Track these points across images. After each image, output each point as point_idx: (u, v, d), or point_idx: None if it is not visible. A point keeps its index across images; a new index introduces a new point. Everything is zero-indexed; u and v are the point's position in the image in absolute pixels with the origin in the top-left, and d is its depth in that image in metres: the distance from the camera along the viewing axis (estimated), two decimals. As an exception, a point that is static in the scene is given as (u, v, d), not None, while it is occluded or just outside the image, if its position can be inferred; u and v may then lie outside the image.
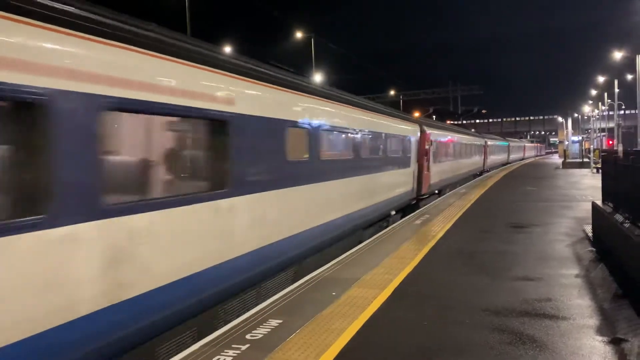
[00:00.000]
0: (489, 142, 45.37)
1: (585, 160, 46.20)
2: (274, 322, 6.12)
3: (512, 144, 68.10)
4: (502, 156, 55.55)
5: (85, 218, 4.30)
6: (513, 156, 67.20)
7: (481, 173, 39.58)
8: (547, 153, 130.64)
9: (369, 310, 6.56)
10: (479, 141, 39.36)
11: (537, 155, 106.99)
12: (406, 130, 17.17)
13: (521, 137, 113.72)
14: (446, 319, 6.27)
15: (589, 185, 25.34)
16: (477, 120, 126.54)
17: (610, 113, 56.59)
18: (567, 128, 64.41)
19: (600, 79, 60.26)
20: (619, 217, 9.19)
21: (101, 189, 4.49)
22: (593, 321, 6.11)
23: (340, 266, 8.98)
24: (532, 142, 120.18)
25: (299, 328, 5.93)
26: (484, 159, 41.59)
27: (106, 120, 4.59)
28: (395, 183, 15.45)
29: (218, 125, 6.26)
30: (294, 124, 8.52)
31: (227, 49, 15.92)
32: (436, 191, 22.57)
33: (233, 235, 6.57)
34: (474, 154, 35.66)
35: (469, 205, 17.82)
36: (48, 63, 4.03)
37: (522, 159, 77.61)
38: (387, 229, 13.26)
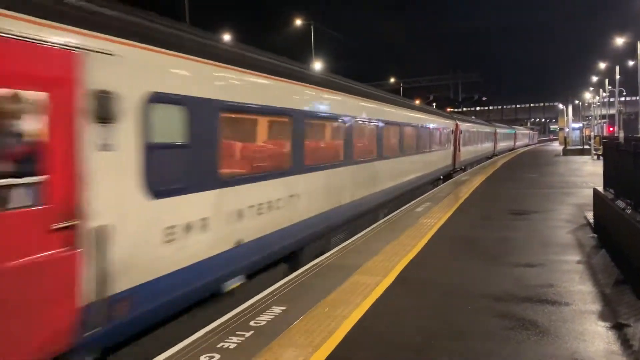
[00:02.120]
0: (463, 126, 29.61)
1: (586, 147, 46.17)
2: (277, 309, 6.15)
3: (499, 130, 53.17)
4: (485, 146, 41.26)
5: None
6: (502, 144, 54.19)
7: (449, 176, 25.20)
8: (541, 141, 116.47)
9: (371, 297, 6.58)
10: (440, 122, 22.86)
11: (529, 144, 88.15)
12: None
13: (521, 124, 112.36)
14: (448, 305, 6.29)
15: (589, 172, 25.31)
16: (478, 108, 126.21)
17: (611, 100, 56.43)
18: (567, 115, 64.26)
19: (602, 65, 60.05)
20: (620, 204, 9.18)
21: None
22: (595, 307, 6.13)
23: (342, 253, 9.00)
24: (532, 129, 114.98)
25: (302, 315, 5.96)
26: (455, 152, 26.55)
27: None
28: None
29: None
30: None
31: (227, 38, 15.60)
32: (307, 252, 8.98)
33: None
34: (429, 146, 20.09)
35: (470, 192, 17.81)
36: None
37: (513, 149, 64.15)
38: (388, 216, 13.20)
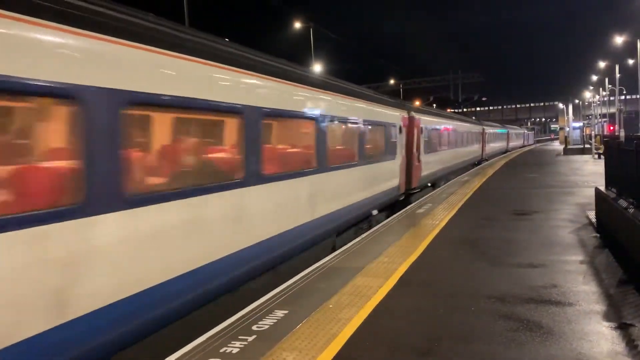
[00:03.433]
0: (426, 122, 19.59)
1: (587, 146, 46.16)
2: (280, 313, 6.12)
3: (489, 129, 43.66)
4: (469, 150, 32.72)
5: None
6: (492, 147, 45.25)
7: (403, 201, 16.42)
8: (539, 141, 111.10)
9: (374, 299, 6.56)
10: (372, 112, 13.01)
11: (524, 145, 79.94)
12: None
13: (521, 124, 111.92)
14: (452, 307, 6.26)
15: (591, 171, 25.28)
16: (478, 108, 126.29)
17: (612, 98, 56.39)
18: (568, 114, 64.27)
19: (602, 64, 60.05)
20: (622, 203, 9.16)
21: None
22: (599, 307, 6.10)
23: (344, 256, 8.97)
24: (532, 129, 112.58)
25: (305, 318, 5.93)
26: (409, 164, 16.70)
27: None
28: None
29: None
30: None
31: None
32: None
33: None
34: (333, 157, 10.00)
35: (471, 192, 17.78)
36: None
37: (505, 152, 56.16)
38: (391, 217, 13.18)
